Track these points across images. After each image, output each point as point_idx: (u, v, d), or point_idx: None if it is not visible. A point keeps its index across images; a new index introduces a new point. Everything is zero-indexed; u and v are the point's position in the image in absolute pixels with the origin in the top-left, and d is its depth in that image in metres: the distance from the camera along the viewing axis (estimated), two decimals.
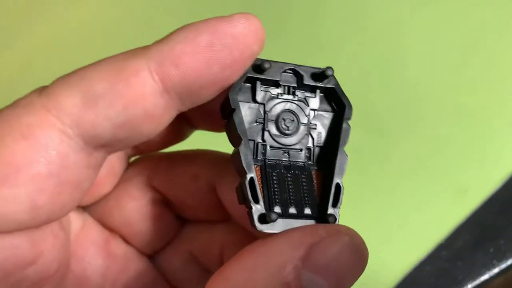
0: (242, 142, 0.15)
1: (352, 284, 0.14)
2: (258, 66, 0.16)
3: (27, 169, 0.14)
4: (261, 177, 0.15)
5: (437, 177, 0.36)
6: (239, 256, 0.14)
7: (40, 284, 0.16)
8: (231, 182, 0.18)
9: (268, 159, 0.16)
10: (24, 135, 0.14)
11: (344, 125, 0.16)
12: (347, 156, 0.16)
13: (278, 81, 0.16)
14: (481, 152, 0.37)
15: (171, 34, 0.15)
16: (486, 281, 0.34)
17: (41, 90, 0.15)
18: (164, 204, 0.21)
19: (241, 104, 0.16)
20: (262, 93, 0.16)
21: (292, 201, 0.15)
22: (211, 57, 0.15)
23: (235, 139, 0.15)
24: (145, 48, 0.15)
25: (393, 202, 0.35)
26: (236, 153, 0.15)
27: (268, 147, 0.16)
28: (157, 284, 0.21)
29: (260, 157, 0.16)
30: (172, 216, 0.21)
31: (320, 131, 0.16)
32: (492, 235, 0.35)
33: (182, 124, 0.19)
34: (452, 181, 0.36)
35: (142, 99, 0.15)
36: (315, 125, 0.16)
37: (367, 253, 0.14)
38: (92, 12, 0.41)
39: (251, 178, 0.14)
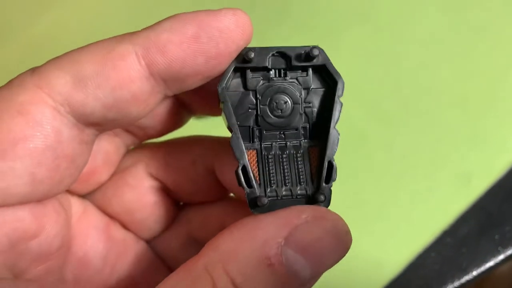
0: (233, 133, 0.16)
1: (331, 265, 0.15)
2: (244, 56, 0.16)
3: (24, 144, 0.15)
4: (257, 160, 0.16)
5: (442, 164, 0.36)
6: (231, 228, 0.15)
7: (42, 260, 0.17)
8: (229, 163, 0.19)
9: (264, 142, 0.16)
10: (20, 111, 0.15)
11: (336, 102, 0.16)
12: (338, 133, 0.16)
13: (266, 66, 0.16)
14: (485, 139, 0.37)
15: (159, 22, 0.16)
16: (491, 268, 0.34)
17: (33, 70, 0.16)
18: (162, 191, 0.21)
19: (233, 93, 0.16)
20: (253, 79, 0.16)
21: (286, 181, 0.16)
22: (196, 48, 0.15)
23: (228, 129, 0.16)
24: (133, 33, 0.16)
25: (397, 189, 0.35)
26: (229, 143, 0.16)
27: (263, 131, 0.16)
28: (155, 267, 0.21)
29: (256, 140, 0.16)
30: (170, 201, 0.21)
31: (314, 109, 0.17)
32: (497, 222, 0.35)
33: (180, 110, 0.20)
34: (457, 168, 0.36)
35: (129, 82, 0.15)
36: (309, 103, 0.17)
37: (349, 239, 0.15)
38: (93, 7, 0.41)
39: (243, 166, 0.15)
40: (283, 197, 0.16)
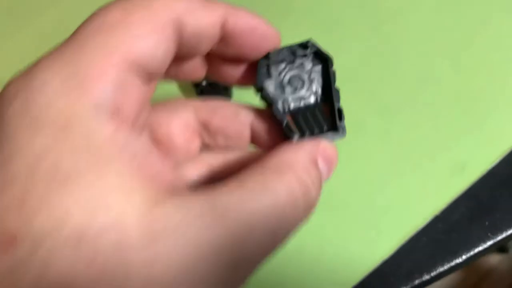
0: (273, 105, 0.22)
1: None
2: (267, 56, 0.22)
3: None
4: (292, 119, 0.23)
5: (437, 153, 0.37)
6: (280, 148, 0.21)
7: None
8: (265, 122, 0.23)
9: (292, 108, 0.23)
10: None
11: (330, 70, 0.23)
12: (338, 89, 0.23)
13: (283, 60, 0.23)
14: (479, 129, 0.37)
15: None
16: (480, 253, 0.35)
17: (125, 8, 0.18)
18: (199, 133, 0.24)
19: (264, 81, 0.23)
20: (274, 70, 0.23)
21: (315, 124, 0.23)
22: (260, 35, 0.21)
23: (268, 104, 0.23)
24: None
25: (391, 175, 0.36)
26: (272, 112, 0.22)
27: (290, 102, 0.23)
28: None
29: (287, 108, 0.23)
30: (200, 143, 0.24)
31: (318, 79, 0.23)
32: (488, 209, 0.36)
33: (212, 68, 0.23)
34: (451, 157, 0.37)
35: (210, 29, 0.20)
36: (314, 77, 0.23)
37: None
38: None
39: (287, 122, 0.22)
40: (315, 133, 0.23)
